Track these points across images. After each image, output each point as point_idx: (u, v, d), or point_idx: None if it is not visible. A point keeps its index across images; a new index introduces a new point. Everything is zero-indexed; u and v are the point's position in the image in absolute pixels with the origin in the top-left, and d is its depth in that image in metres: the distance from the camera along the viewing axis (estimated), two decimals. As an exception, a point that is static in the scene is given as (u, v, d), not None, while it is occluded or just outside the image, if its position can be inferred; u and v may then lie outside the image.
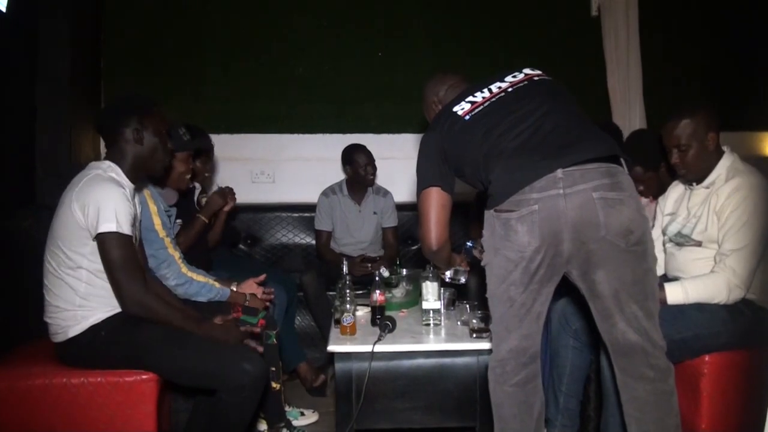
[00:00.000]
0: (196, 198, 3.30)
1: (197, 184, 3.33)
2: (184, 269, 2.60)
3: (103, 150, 3.56)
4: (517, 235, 1.80)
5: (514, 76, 2.04)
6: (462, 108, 2.02)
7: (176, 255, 2.58)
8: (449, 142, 2.03)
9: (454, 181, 2.11)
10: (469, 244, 2.84)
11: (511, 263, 1.83)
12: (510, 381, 1.93)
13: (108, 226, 2.04)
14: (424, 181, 2.08)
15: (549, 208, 1.75)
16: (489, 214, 1.89)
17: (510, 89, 2.00)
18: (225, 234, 3.60)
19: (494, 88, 2.02)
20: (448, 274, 2.60)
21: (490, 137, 1.91)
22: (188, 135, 2.81)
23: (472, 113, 1.99)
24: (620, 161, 1.85)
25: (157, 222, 2.53)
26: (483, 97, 2.01)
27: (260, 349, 2.28)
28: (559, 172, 1.75)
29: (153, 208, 2.54)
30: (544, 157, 1.79)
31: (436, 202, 2.06)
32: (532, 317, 1.89)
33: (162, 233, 2.54)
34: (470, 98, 2.03)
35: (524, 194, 1.78)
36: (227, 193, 3.21)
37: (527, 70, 2.07)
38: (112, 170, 2.18)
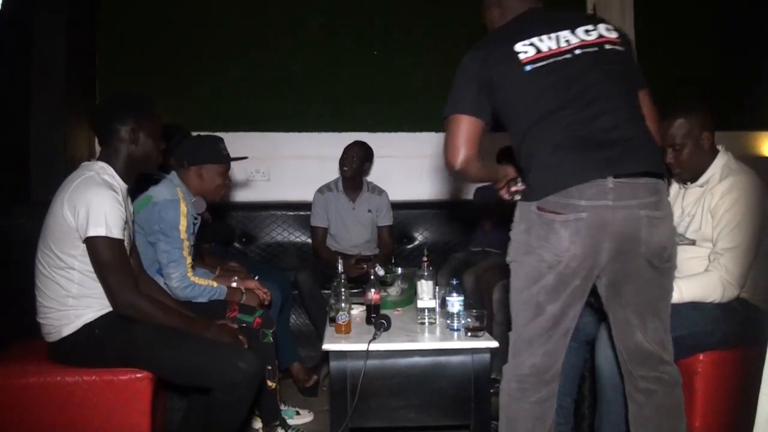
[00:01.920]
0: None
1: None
2: (189, 273, 2.60)
3: (98, 148, 3.56)
4: (559, 239, 1.71)
5: (588, 32, 1.83)
6: (525, 52, 1.80)
7: (188, 260, 2.59)
8: (499, 80, 1.83)
9: (490, 109, 1.90)
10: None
11: (545, 264, 1.74)
12: (529, 399, 1.84)
13: (97, 230, 2.03)
14: (454, 106, 1.90)
15: (596, 219, 1.69)
16: (527, 209, 1.78)
17: (578, 52, 1.80)
18: (220, 232, 3.60)
19: (562, 40, 1.81)
20: (516, 187, 2.07)
21: (541, 109, 1.78)
22: (227, 150, 2.81)
23: (534, 65, 1.79)
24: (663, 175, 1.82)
25: (183, 223, 2.55)
26: (549, 49, 1.80)
27: (245, 343, 2.29)
28: (610, 182, 1.69)
29: (183, 209, 2.56)
30: (595, 158, 1.71)
31: (466, 130, 1.86)
32: (560, 332, 1.80)
33: (183, 235, 2.55)
34: (536, 40, 1.81)
35: (572, 197, 1.70)
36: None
37: (603, 29, 1.85)
38: (105, 172, 2.16)
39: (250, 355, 2.16)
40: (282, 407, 2.80)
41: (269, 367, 2.58)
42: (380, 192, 4.05)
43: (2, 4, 2.96)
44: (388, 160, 4.34)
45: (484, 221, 3.97)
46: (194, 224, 2.73)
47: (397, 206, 4.14)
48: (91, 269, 2.10)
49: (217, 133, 3.84)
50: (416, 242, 4.35)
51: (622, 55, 1.85)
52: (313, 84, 4.41)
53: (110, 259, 2.06)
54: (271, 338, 2.61)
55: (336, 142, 3.98)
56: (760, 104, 4.12)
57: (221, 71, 4.35)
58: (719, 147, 2.40)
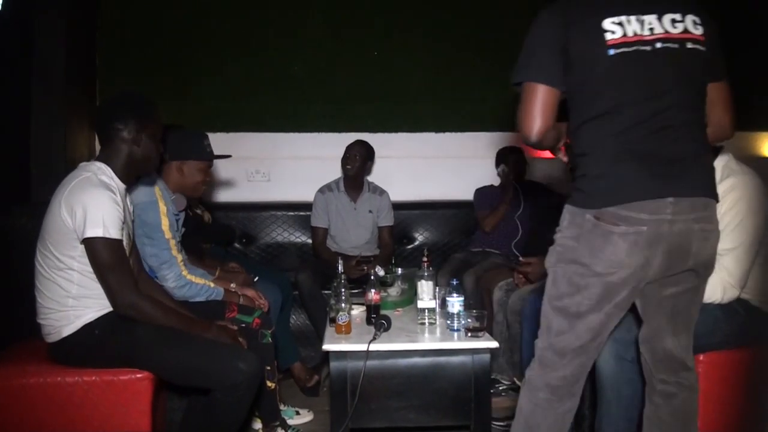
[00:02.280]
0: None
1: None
2: (185, 272, 2.60)
3: (98, 148, 3.56)
4: (615, 251, 1.65)
5: (674, 23, 1.70)
6: (613, 32, 1.67)
7: (179, 258, 2.59)
8: (579, 57, 1.70)
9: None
10: None
11: (592, 273, 1.68)
12: (557, 410, 1.79)
13: (95, 231, 2.03)
14: (529, 72, 1.74)
15: (655, 232, 1.64)
16: (581, 216, 1.70)
17: (659, 45, 1.67)
18: (220, 233, 3.60)
19: (647, 26, 1.68)
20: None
21: (611, 102, 1.68)
22: (211, 147, 2.80)
23: (618, 50, 1.67)
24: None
25: (165, 222, 2.54)
26: (634, 33, 1.67)
27: (245, 344, 2.28)
28: (670, 198, 1.65)
29: (163, 208, 2.55)
30: (656, 176, 1.65)
31: (542, 100, 1.70)
32: (596, 345, 1.76)
33: (168, 234, 2.54)
34: (624, 20, 1.68)
35: (632, 211, 1.64)
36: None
37: (690, 23, 1.72)
38: (103, 172, 2.16)
39: (250, 356, 2.16)
40: (282, 407, 2.80)
41: (268, 368, 2.58)
42: (381, 192, 4.05)
43: (2, 5, 2.96)
44: (388, 160, 4.35)
45: (484, 222, 3.96)
46: (177, 220, 2.72)
47: (397, 206, 4.14)
48: (91, 270, 2.10)
49: (217, 134, 3.86)
50: (416, 243, 4.35)
51: (701, 57, 1.72)
52: (313, 84, 4.41)
53: (109, 259, 2.06)
54: (270, 339, 2.61)
55: (336, 142, 3.98)
56: (760, 104, 4.12)
57: (221, 71, 4.35)
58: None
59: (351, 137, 4.01)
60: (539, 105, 1.70)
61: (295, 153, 4.40)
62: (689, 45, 1.70)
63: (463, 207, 4.28)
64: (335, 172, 4.08)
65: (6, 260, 2.80)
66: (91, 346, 2.13)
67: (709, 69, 1.76)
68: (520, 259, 3.27)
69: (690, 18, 1.72)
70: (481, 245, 3.97)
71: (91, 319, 2.14)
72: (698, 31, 1.72)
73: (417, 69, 4.46)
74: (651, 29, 1.68)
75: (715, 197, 1.73)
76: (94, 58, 4.21)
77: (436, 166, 4.48)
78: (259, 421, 2.71)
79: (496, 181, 4.13)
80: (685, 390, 1.84)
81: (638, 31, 1.67)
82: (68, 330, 2.13)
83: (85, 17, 4.05)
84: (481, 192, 4.12)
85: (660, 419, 1.85)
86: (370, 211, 3.98)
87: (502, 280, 3.36)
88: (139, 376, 2.15)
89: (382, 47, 4.45)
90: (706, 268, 1.77)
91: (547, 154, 4.44)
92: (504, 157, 4.02)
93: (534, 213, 4.03)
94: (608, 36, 1.67)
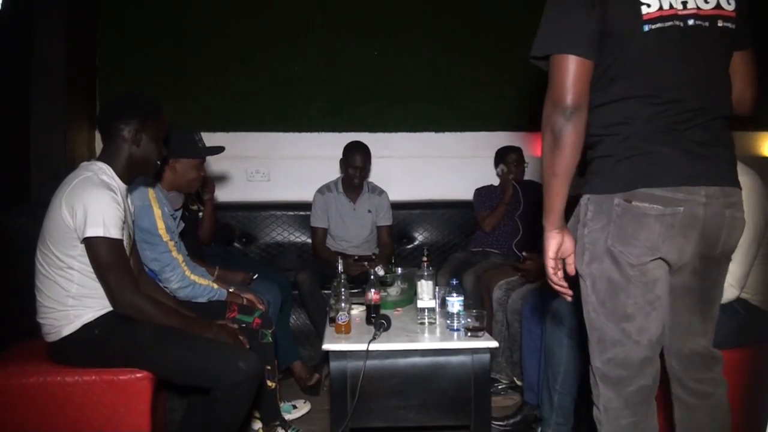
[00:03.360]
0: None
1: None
2: (188, 272, 2.60)
3: (98, 148, 3.56)
4: (650, 236, 1.54)
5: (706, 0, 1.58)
6: (648, 5, 1.55)
7: (180, 258, 2.59)
8: (612, 30, 1.57)
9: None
10: None
11: (629, 266, 1.57)
12: (645, 427, 1.66)
13: (95, 231, 2.03)
14: (559, 42, 1.57)
15: (690, 214, 1.55)
16: (608, 202, 1.59)
17: (691, 22, 1.56)
18: (220, 232, 3.60)
19: None
20: None
21: (643, 84, 1.57)
22: (203, 142, 2.80)
23: (653, 25, 1.56)
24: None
25: (161, 226, 2.53)
26: (670, 6, 1.55)
27: (246, 343, 2.28)
28: (704, 182, 1.57)
29: (157, 212, 2.54)
30: (691, 159, 1.57)
31: (575, 73, 1.53)
32: (658, 347, 1.65)
33: (165, 237, 2.54)
34: None
35: (668, 191, 1.54)
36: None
37: None
38: (104, 172, 2.16)
39: (250, 355, 2.16)
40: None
41: (268, 368, 2.58)
42: (380, 192, 4.05)
43: (2, 5, 2.96)
44: (387, 160, 4.35)
45: (483, 222, 3.97)
46: (174, 219, 2.71)
47: (397, 206, 4.14)
48: (91, 269, 2.10)
49: (217, 133, 3.87)
50: (416, 242, 4.36)
51: (729, 35, 1.62)
52: (313, 84, 4.41)
53: (109, 259, 2.06)
54: (270, 338, 2.61)
55: (336, 142, 3.98)
56: (761, 104, 4.12)
57: (221, 71, 4.35)
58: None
59: (351, 137, 4.01)
60: (572, 76, 1.53)
61: (295, 153, 4.40)
62: (720, 23, 1.59)
63: (462, 207, 4.29)
64: (335, 172, 4.09)
65: (6, 260, 2.80)
66: (90, 345, 2.13)
67: (735, 39, 1.65)
68: (524, 254, 3.27)
69: None
70: (481, 245, 3.98)
71: (91, 319, 2.14)
72: (730, 6, 1.61)
73: (417, 69, 4.46)
74: (684, 3, 1.57)
75: (740, 186, 1.67)
76: (94, 58, 4.21)
77: (435, 166, 4.48)
78: (258, 421, 2.71)
79: (495, 181, 4.14)
80: (720, 386, 1.73)
81: (674, 4, 1.56)
82: (68, 329, 2.13)
83: (85, 17, 4.05)
84: (480, 192, 4.12)
85: (699, 421, 1.72)
86: (369, 211, 3.98)
87: (502, 279, 3.37)
88: (138, 375, 2.15)
89: (382, 47, 4.45)
90: (727, 259, 1.69)
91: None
92: (503, 156, 4.02)
93: (534, 212, 4.03)
94: (644, 9, 1.55)
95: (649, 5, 1.55)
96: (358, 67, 4.44)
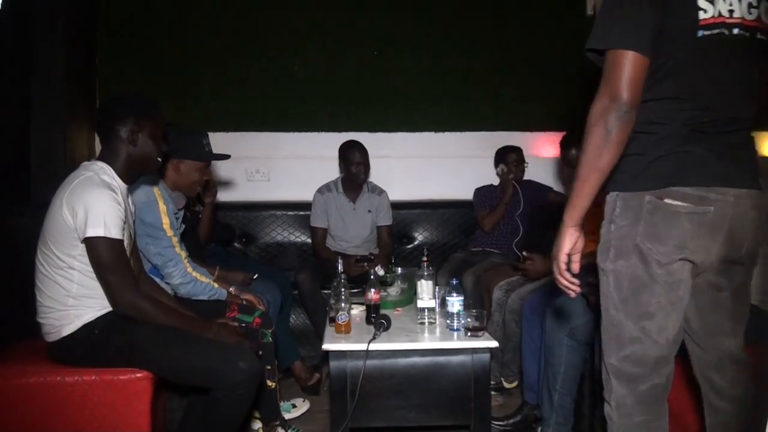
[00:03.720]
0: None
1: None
2: (190, 269, 2.61)
3: (98, 148, 3.55)
4: (680, 234, 1.54)
5: (750, 9, 1.58)
6: (705, 11, 1.55)
7: (183, 255, 2.60)
8: (668, 33, 1.55)
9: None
10: None
11: (656, 264, 1.56)
12: (658, 430, 1.66)
13: (95, 231, 2.03)
14: (618, 37, 1.55)
15: (720, 214, 1.56)
16: (637, 199, 1.59)
17: (735, 32, 1.57)
18: (219, 232, 3.60)
19: (726, 6, 1.57)
20: None
21: (687, 86, 1.58)
22: (210, 146, 2.80)
23: (706, 31, 1.56)
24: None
25: (166, 221, 2.55)
26: (719, 13, 1.56)
27: (259, 353, 2.27)
28: (734, 184, 1.58)
29: (162, 207, 2.55)
30: (722, 162, 1.58)
31: (634, 70, 1.52)
32: (675, 346, 1.64)
33: (170, 232, 2.56)
34: None
35: (700, 191, 1.55)
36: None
37: (763, 10, 1.60)
38: (104, 172, 2.16)
39: (250, 355, 2.16)
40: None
41: (268, 367, 2.58)
42: (380, 192, 4.05)
43: (2, 5, 2.96)
44: (387, 160, 4.35)
45: (483, 222, 3.97)
46: (177, 218, 2.72)
47: (397, 206, 4.14)
48: (91, 269, 2.10)
49: (217, 133, 3.86)
50: (416, 242, 4.36)
51: (765, 47, 1.63)
52: (313, 84, 4.41)
53: (109, 259, 2.06)
54: (270, 338, 2.61)
55: (336, 142, 3.98)
56: (761, 104, 4.12)
57: (221, 71, 4.35)
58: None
59: (351, 137, 4.00)
60: (630, 73, 1.52)
61: (295, 153, 4.40)
62: (759, 35, 1.61)
63: (462, 206, 4.29)
64: (335, 171, 4.09)
65: (6, 260, 2.80)
66: (90, 345, 2.13)
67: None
68: (524, 253, 3.28)
69: (765, 4, 1.61)
70: (481, 245, 3.98)
71: (91, 319, 2.14)
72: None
73: (417, 69, 4.46)
74: (731, 11, 1.57)
75: (762, 189, 1.66)
76: (94, 58, 4.21)
77: (435, 166, 4.48)
78: (258, 421, 2.71)
79: (495, 181, 4.14)
80: (752, 388, 1.71)
81: (723, 12, 1.56)
82: (68, 329, 2.13)
83: (85, 17, 4.05)
84: (480, 191, 4.13)
85: (728, 427, 1.70)
86: (369, 211, 3.98)
87: (502, 279, 3.37)
88: (138, 375, 2.15)
89: (382, 47, 4.45)
90: (753, 261, 1.68)
91: (547, 153, 4.45)
92: (503, 156, 4.02)
93: (534, 212, 4.03)
94: (701, 14, 1.55)
95: (705, 11, 1.56)
96: (358, 67, 4.44)
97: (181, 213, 2.80)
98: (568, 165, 3.18)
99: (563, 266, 1.63)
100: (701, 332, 1.71)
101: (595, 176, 1.55)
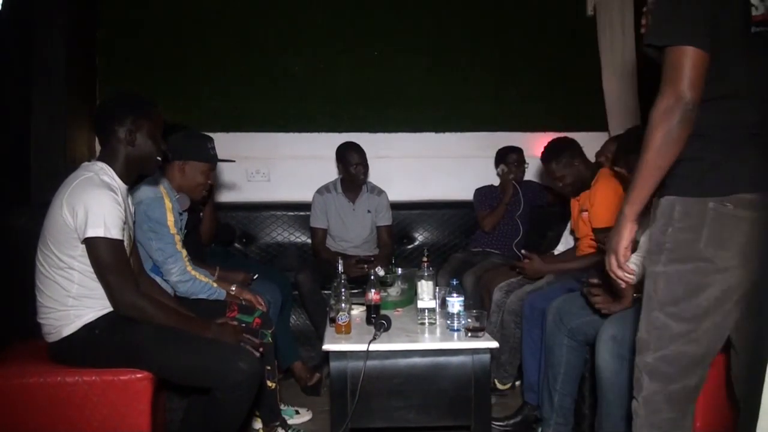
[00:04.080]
0: None
1: None
2: (189, 267, 2.61)
3: (98, 148, 3.55)
4: (743, 240, 1.52)
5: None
6: (756, 7, 1.54)
7: (183, 253, 2.61)
8: (722, 30, 1.52)
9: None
10: None
11: (714, 269, 1.54)
12: (683, 429, 1.65)
13: (95, 231, 2.03)
14: (679, 32, 1.51)
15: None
16: (699, 205, 1.56)
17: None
18: (220, 232, 3.60)
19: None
20: None
21: (736, 85, 1.55)
22: (215, 150, 2.80)
23: (757, 28, 1.55)
24: None
25: (170, 218, 2.56)
26: (766, 9, 1.55)
27: (259, 350, 2.27)
28: None
29: (168, 204, 2.57)
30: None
31: (698, 67, 1.48)
32: (713, 353, 1.62)
33: (173, 230, 2.57)
34: None
35: (763, 195, 1.53)
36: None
37: None
38: (104, 172, 2.16)
39: (251, 355, 2.16)
40: (281, 407, 2.80)
41: (268, 368, 2.58)
42: (379, 192, 4.05)
43: (2, 5, 2.96)
44: (388, 160, 4.35)
45: (484, 222, 3.97)
46: (181, 219, 2.73)
47: (397, 206, 4.14)
48: (91, 269, 2.10)
49: (217, 134, 3.85)
50: (416, 242, 4.35)
51: None
52: (313, 84, 4.41)
53: (109, 259, 2.06)
54: (270, 338, 2.61)
55: (336, 143, 3.97)
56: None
57: (221, 71, 4.35)
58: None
59: (351, 137, 4.01)
60: (695, 71, 1.48)
61: (295, 153, 4.40)
62: None
63: (462, 207, 4.29)
64: (335, 172, 4.09)
65: (6, 260, 2.80)
66: (91, 345, 2.13)
67: None
68: (523, 252, 3.28)
69: None
70: (481, 245, 3.98)
71: (91, 319, 2.14)
72: None
73: (417, 69, 4.47)
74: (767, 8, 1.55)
75: None
76: (94, 58, 4.21)
77: (435, 166, 4.48)
78: (259, 420, 2.71)
79: (495, 181, 4.14)
80: None
81: (760, 9, 1.54)
82: (68, 330, 2.13)
83: (85, 17, 4.05)
84: (480, 192, 4.13)
85: None
86: (369, 211, 3.98)
87: (502, 280, 3.36)
88: (138, 376, 2.15)
89: (382, 47, 4.45)
90: None
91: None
92: (504, 156, 4.02)
93: (534, 212, 4.04)
94: (753, 11, 1.53)
95: (756, 7, 1.54)
96: (358, 67, 4.44)
97: (185, 215, 2.80)
98: (550, 174, 3.18)
99: (623, 259, 1.63)
100: (744, 338, 1.68)
101: (658, 174, 1.54)
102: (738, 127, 1.55)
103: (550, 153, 3.13)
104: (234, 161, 2.94)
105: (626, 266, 1.64)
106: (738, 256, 1.53)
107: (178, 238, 2.59)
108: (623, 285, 1.68)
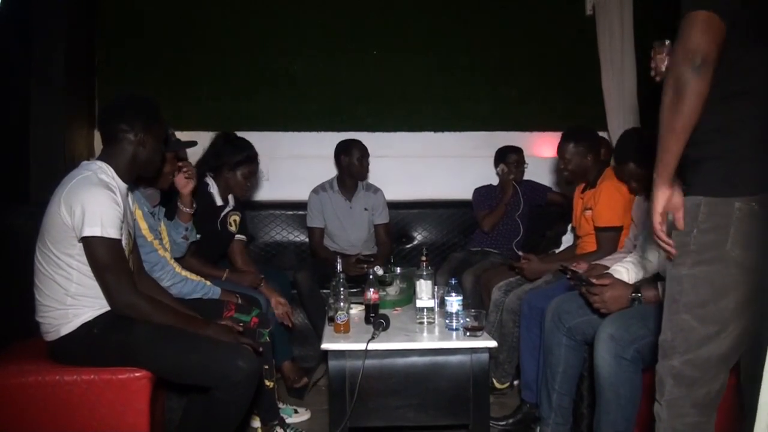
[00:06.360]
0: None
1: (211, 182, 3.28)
2: (178, 269, 2.60)
3: (97, 148, 3.55)
4: None
5: None
6: None
7: (168, 256, 2.59)
8: (749, 16, 1.50)
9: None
10: None
11: (741, 270, 1.51)
12: (706, 430, 1.62)
13: (92, 230, 2.03)
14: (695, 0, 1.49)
15: None
16: (725, 205, 1.52)
17: None
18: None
19: None
20: None
21: (760, 78, 1.52)
22: (176, 136, 2.77)
23: None
24: None
25: (144, 227, 2.52)
26: None
27: (260, 349, 2.27)
28: None
29: (138, 213, 2.52)
30: None
31: (707, 27, 1.46)
32: (737, 356, 1.59)
33: (150, 237, 2.53)
34: None
35: None
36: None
37: None
38: (103, 171, 2.16)
39: (249, 354, 2.16)
40: (280, 406, 2.81)
41: (266, 367, 2.58)
42: (375, 190, 4.05)
43: (2, 4, 2.96)
44: (387, 160, 4.35)
45: (483, 222, 3.97)
46: (153, 215, 2.65)
47: (396, 206, 4.14)
48: (90, 268, 2.10)
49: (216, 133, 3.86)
50: (415, 242, 4.36)
51: None
52: (313, 84, 4.42)
53: (106, 259, 2.06)
54: (267, 338, 2.61)
55: (335, 142, 3.98)
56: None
57: (221, 71, 4.36)
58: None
59: (350, 137, 4.00)
60: (702, 30, 1.46)
61: (294, 152, 4.40)
62: None
63: (462, 206, 4.29)
64: (334, 171, 4.08)
65: (6, 260, 2.80)
66: (89, 344, 2.12)
67: None
68: (520, 253, 3.29)
69: None
70: (480, 245, 3.98)
71: (90, 318, 2.14)
72: None
73: (417, 69, 4.47)
74: None
75: None
76: (93, 58, 4.21)
77: (435, 166, 4.48)
78: (257, 419, 2.71)
79: (495, 181, 4.14)
80: None
81: None
82: (67, 329, 2.13)
83: (85, 17, 4.06)
84: (479, 191, 4.13)
85: None
86: (366, 209, 3.98)
87: (501, 279, 3.36)
88: (137, 374, 2.15)
89: (382, 47, 4.45)
90: None
91: (547, 153, 4.44)
92: (504, 156, 4.02)
93: (534, 212, 4.04)
94: None
95: None
96: (358, 67, 4.44)
97: (158, 210, 2.75)
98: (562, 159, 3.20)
99: (658, 226, 1.57)
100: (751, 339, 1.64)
101: (673, 137, 1.49)
102: (759, 125, 1.52)
103: (574, 135, 3.17)
104: (196, 143, 2.86)
105: (661, 234, 1.57)
106: (764, 258, 1.49)
107: (157, 243, 2.56)
108: (671, 255, 1.61)
